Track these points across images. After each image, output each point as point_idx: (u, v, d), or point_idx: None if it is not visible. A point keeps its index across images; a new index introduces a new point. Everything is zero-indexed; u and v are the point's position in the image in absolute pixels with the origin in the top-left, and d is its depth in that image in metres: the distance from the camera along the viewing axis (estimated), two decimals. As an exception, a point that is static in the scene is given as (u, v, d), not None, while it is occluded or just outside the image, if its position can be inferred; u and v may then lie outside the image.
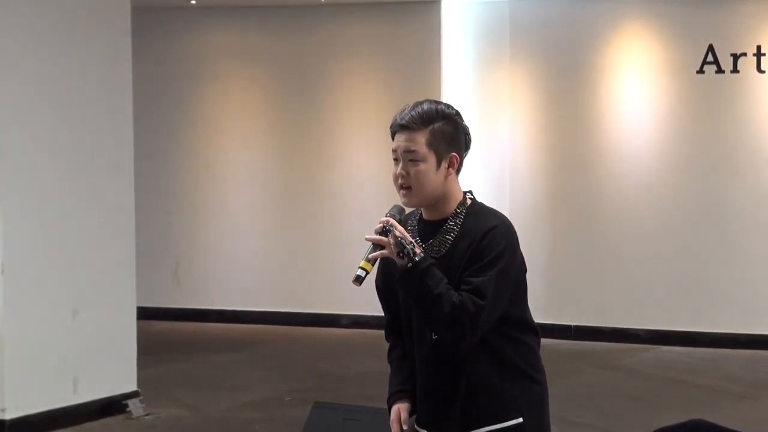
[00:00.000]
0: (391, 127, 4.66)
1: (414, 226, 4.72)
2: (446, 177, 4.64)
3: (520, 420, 4.67)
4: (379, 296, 4.86)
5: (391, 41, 13.63)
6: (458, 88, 13.51)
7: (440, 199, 4.66)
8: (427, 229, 4.70)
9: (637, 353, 12.32)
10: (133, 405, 9.81)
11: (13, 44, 9.13)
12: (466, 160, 4.65)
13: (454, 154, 4.64)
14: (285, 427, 8.17)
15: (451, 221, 4.66)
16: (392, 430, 4.82)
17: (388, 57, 13.66)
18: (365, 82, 13.78)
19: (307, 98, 13.94)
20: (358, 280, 4.50)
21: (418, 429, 4.82)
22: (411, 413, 4.84)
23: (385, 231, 4.49)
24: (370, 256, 4.52)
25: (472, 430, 4.67)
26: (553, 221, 13.22)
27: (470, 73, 13.53)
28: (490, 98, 13.44)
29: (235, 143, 14.23)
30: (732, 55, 12.49)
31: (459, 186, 4.71)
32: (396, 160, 4.64)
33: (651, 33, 12.84)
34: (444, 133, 4.63)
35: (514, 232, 4.66)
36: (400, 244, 4.47)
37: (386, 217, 4.54)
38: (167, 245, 14.58)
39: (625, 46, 12.93)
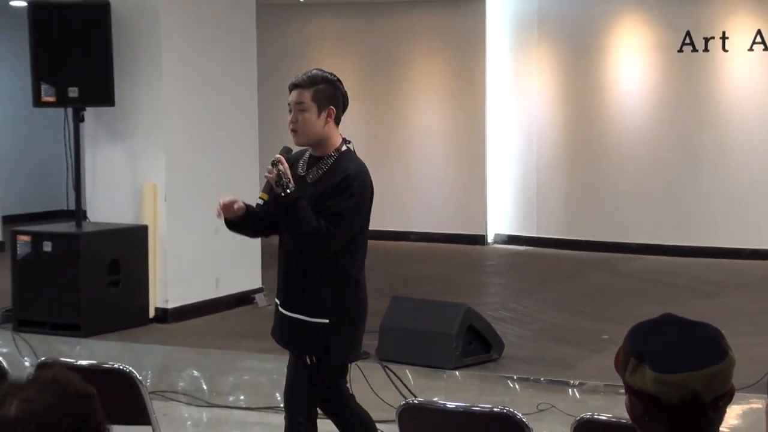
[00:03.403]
0: (288, 86, 4.82)
1: (306, 159, 4.83)
2: (325, 124, 4.76)
3: (327, 321, 4.73)
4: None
5: (448, 29, 13.67)
6: (498, 64, 13.56)
7: (321, 141, 4.79)
8: (312, 162, 4.82)
9: (630, 261, 12.35)
10: (259, 298, 9.92)
11: (173, 42, 9.27)
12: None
13: (332, 107, 4.77)
14: (371, 314, 8.26)
15: (326, 159, 4.78)
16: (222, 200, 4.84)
17: (447, 41, 13.71)
18: (429, 60, 13.84)
19: (386, 70, 14.03)
20: (257, 206, 4.69)
21: (276, 300, 4.91)
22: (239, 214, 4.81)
23: (274, 164, 4.62)
24: (265, 185, 4.66)
25: (292, 312, 4.77)
26: (569, 163, 13.27)
27: (507, 53, 13.56)
28: (522, 71, 13.47)
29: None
30: (704, 38, 12.41)
31: (337, 133, 4.84)
32: (290, 111, 4.79)
33: (643, 21, 12.81)
34: (325, 92, 4.78)
35: (367, 178, 4.76)
36: (279, 176, 4.59)
37: (278, 155, 4.69)
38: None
39: (624, 31, 12.90)
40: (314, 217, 4.60)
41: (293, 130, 4.79)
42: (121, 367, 4.73)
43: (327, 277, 4.75)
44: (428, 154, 13.87)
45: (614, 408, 6.13)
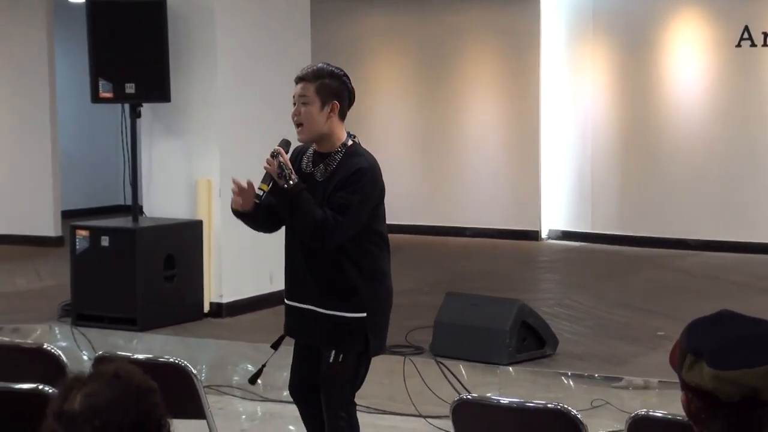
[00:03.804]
0: (294, 79, 4.76)
1: (310, 155, 4.77)
2: (328, 118, 4.69)
3: (364, 315, 4.70)
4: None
5: (502, 23, 13.64)
6: (553, 58, 13.50)
7: (325, 136, 4.71)
8: (318, 158, 4.76)
9: (688, 257, 12.25)
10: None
11: (228, 38, 9.30)
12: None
13: (336, 102, 4.69)
14: (425, 309, 8.32)
15: (333, 155, 4.70)
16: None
17: (501, 34, 13.67)
18: (483, 55, 13.82)
19: (439, 65, 14.01)
20: (257, 198, 4.64)
21: (287, 302, 4.86)
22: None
23: (273, 155, 4.59)
24: (264, 177, 4.65)
25: (326, 309, 4.71)
26: (624, 159, 13.18)
27: (562, 46, 13.50)
28: (576, 66, 13.41)
29: (388, 99, 14.34)
30: (763, 33, 12.27)
31: (342, 128, 4.77)
32: (294, 104, 4.74)
33: (700, 15, 12.70)
34: (330, 86, 4.71)
35: (377, 172, 4.71)
36: (280, 167, 4.56)
37: (277, 147, 4.65)
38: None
39: (681, 26, 12.80)
40: (318, 208, 4.60)
41: (298, 124, 4.77)
42: (176, 361, 4.76)
43: (359, 270, 4.73)
44: (483, 149, 13.85)
45: (670, 405, 6.09)
